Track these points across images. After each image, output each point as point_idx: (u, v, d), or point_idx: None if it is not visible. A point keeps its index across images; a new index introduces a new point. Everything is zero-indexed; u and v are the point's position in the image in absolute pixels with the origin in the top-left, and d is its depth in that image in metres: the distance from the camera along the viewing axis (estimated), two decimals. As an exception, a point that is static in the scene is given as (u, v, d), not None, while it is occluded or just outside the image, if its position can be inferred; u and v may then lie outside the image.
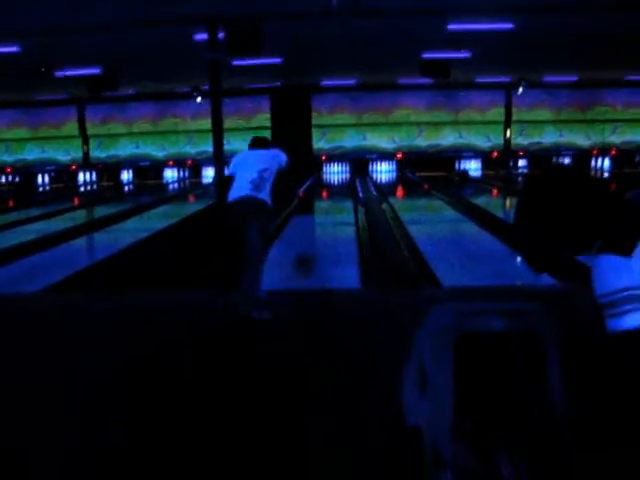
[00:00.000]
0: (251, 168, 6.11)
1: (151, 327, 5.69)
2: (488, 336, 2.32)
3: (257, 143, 6.58)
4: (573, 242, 2.03)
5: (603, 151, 25.98)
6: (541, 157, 25.83)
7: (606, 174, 25.31)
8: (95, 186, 26.34)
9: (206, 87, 16.51)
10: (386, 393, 2.91)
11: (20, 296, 7.34)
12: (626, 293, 1.84)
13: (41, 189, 26.20)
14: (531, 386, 2.29)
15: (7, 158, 26.55)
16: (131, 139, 26.18)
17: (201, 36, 11.71)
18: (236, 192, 6.02)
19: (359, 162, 25.71)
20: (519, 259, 6.46)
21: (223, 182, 6.70)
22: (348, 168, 25.84)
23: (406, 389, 2.70)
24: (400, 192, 21.16)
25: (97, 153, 26.47)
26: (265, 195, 6.03)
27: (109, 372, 4.55)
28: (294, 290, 6.87)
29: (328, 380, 4.31)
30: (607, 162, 26.18)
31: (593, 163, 26.23)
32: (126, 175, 26.81)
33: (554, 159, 26.17)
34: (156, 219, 15.21)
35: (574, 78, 23.75)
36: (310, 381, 4.33)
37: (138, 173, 26.55)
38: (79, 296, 7.21)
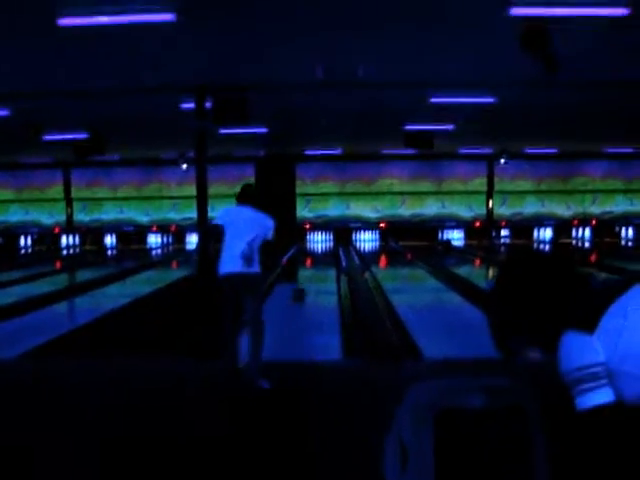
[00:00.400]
0: (240, 236, 5.99)
1: (132, 395, 5.60)
2: (469, 413, 2.32)
3: (245, 197, 6.37)
4: (542, 332, 2.06)
5: (584, 221, 26.36)
6: (523, 227, 26.19)
7: (587, 244, 25.63)
8: (78, 249, 26.26)
9: (192, 154, 16.68)
10: (367, 468, 2.88)
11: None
12: (589, 370, 1.87)
13: (23, 251, 26.07)
14: (514, 464, 2.28)
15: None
16: (115, 204, 26.24)
17: (188, 105, 11.89)
18: (227, 266, 5.97)
19: (342, 231, 25.88)
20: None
21: (210, 232, 6.56)
22: (331, 236, 25.99)
23: (387, 464, 2.67)
24: (383, 261, 21.23)
25: (81, 216, 26.46)
26: (256, 267, 6.03)
27: (85, 448, 4.46)
28: (276, 361, 6.81)
29: (309, 454, 4.25)
30: (588, 232, 26.55)
31: (574, 233, 26.58)
32: (109, 239, 26.78)
33: (535, 229, 26.50)
34: (139, 285, 15.13)
35: (555, 150, 24.26)
36: (291, 454, 4.26)
37: (121, 238, 26.53)
38: (58, 362, 7.10)
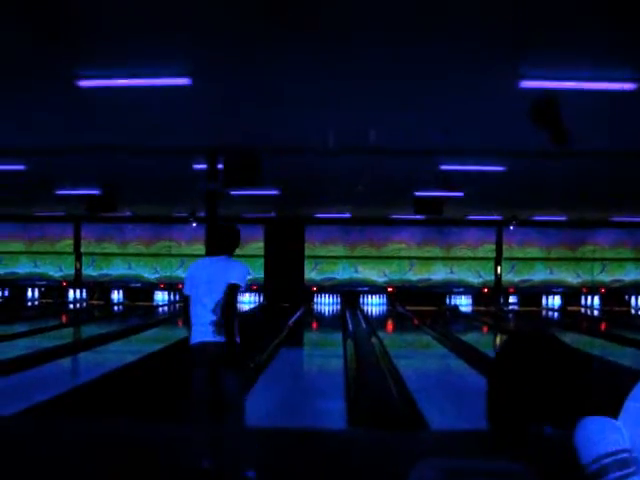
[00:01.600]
0: (207, 298, 5.06)
1: (134, 462, 5.52)
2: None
3: (217, 244, 5.40)
4: (547, 415, 2.00)
5: (592, 289, 26.23)
6: (531, 294, 26.08)
7: (596, 312, 25.44)
8: (85, 304, 26.24)
9: (202, 213, 16.78)
10: None
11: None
12: (618, 457, 1.74)
13: (30, 304, 26.07)
14: None
15: (-1, 271, 26.62)
16: (124, 259, 26.34)
17: (200, 165, 12.02)
18: (197, 335, 5.11)
19: (350, 294, 25.81)
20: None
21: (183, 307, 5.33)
22: (339, 300, 25.91)
23: None
24: (390, 326, 21.11)
25: (89, 271, 26.55)
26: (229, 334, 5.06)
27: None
28: (279, 429, 6.73)
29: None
30: (597, 300, 26.37)
31: (583, 301, 26.41)
32: (116, 295, 26.78)
33: (544, 296, 26.38)
34: (144, 342, 15.07)
35: (563, 218, 24.33)
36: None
37: (128, 294, 26.53)
38: (55, 422, 7.03)
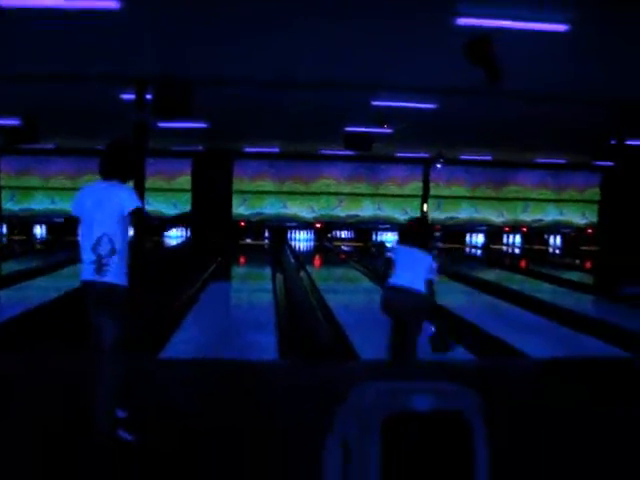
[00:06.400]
0: (90, 230, 4.33)
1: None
2: (414, 417, 2.34)
3: (110, 163, 4.51)
4: None
5: (515, 228, 27.00)
6: (456, 232, 26.64)
7: (517, 250, 26.25)
8: (5, 239, 25.48)
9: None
10: (307, 470, 2.87)
11: None
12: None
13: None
14: (457, 471, 2.31)
15: None
16: (47, 194, 25.56)
17: (128, 95, 11.68)
18: (82, 272, 4.38)
19: (278, 229, 25.84)
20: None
21: (63, 227, 4.40)
22: (267, 235, 25.93)
23: (328, 465, 2.67)
24: (318, 261, 21.28)
25: (10, 205, 25.70)
26: (112, 276, 4.28)
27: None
28: (213, 360, 6.77)
29: (248, 456, 4.22)
30: (518, 239, 27.23)
31: (505, 239, 27.20)
32: (39, 230, 26.07)
33: (468, 234, 27.03)
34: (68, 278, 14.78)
35: (489, 157, 24.76)
36: (230, 455, 4.23)
37: (52, 229, 25.80)
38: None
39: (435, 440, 2.29)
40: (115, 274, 4.29)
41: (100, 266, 4.28)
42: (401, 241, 6.21)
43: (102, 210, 4.31)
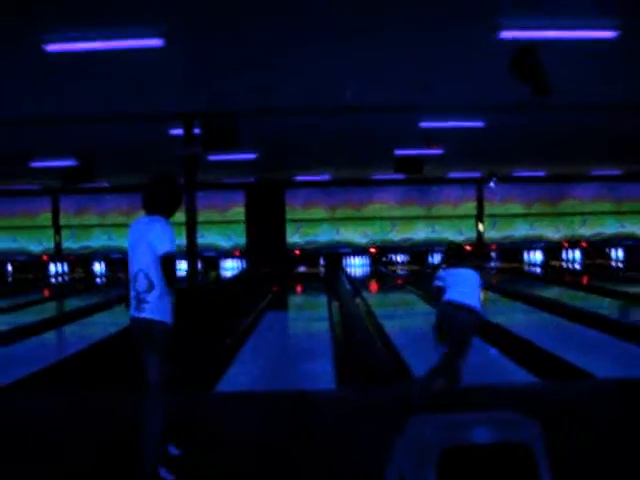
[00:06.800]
0: (131, 266, 4.34)
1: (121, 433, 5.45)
2: (473, 450, 2.22)
3: (150, 197, 4.47)
4: None
5: (573, 243, 26.38)
6: (513, 250, 26.19)
7: (577, 266, 25.61)
8: (66, 277, 26.00)
9: (181, 181, 16.57)
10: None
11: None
12: None
13: (11, 279, 25.77)
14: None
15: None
16: (104, 230, 26.05)
17: (176, 131, 11.82)
18: (130, 308, 4.38)
19: (332, 256, 25.75)
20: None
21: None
22: (322, 262, 25.86)
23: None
24: (373, 286, 21.12)
25: (70, 244, 26.27)
26: (150, 312, 4.22)
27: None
28: (269, 392, 6.70)
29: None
30: (578, 254, 26.54)
31: (564, 255, 26.58)
32: (98, 267, 26.53)
33: (525, 252, 26.53)
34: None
35: (542, 173, 24.35)
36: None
37: (110, 265, 26.22)
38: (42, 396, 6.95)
39: (495, 474, 2.16)
40: (153, 310, 4.20)
41: (139, 302, 4.24)
42: (448, 265, 6.20)
43: (140, 246, 4.27)
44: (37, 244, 26.24)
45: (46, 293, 21.07)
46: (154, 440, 4.15)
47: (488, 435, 2.19)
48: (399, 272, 23.87)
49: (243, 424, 5.50)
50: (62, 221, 26.16)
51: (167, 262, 4.19)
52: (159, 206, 4.42)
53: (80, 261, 26.31)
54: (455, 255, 6.33)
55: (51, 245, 26.25)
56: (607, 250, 26.65)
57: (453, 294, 5.95)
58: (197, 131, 11.06)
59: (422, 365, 7.92)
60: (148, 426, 4.17)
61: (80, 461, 4.61)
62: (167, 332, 4.25)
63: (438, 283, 6.13)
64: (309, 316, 14.20)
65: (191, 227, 11.81)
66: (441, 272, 6.16)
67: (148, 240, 4.24)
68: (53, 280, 25.45)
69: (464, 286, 5.97)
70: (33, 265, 26.18)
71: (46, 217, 26.15)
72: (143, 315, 4.22)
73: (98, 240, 26.16)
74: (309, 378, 7.75)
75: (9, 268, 26.40)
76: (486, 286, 6.11)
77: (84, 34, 6.98)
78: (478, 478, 2.19)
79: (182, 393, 4.46)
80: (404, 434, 2.54)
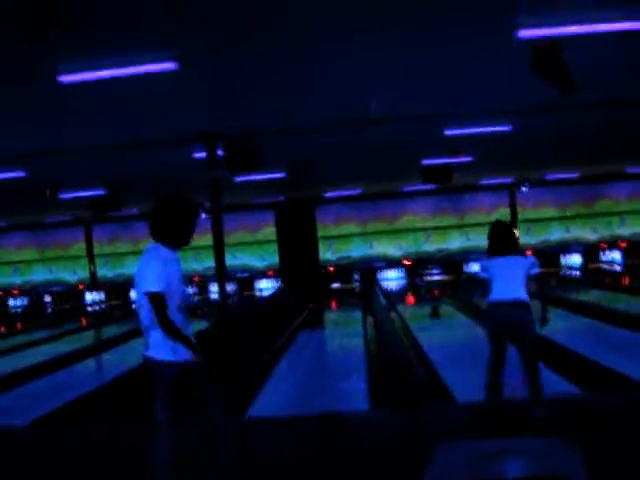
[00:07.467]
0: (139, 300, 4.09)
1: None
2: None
3: (151, 222, 4.17)
4: None
5: (612, 244, 25.73)
6: (549, 254, 25.65)
7: (618, 267, 24.97)
8: (103, 306, 26.18)
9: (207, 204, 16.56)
10: None
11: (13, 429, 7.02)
12: None
13: (49, 310, 26.04)
14: None
15: (16, 280, 26.57)
16: (137, 257, 26.08)
17: (200, 154, 11.76)
18: None
19: (367, 271, 25.49)
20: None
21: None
22: (357, 277, 25.60)
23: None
24: (409, 299, 20.85)
25: (104, 272, 26.46)
26: (151, 350, 3.95)
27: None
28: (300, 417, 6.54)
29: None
30: (617, 255, 25.82)
31: (602, 257, 25.92)
32: (134, 294, 26.58)
33: (562, 256, 25.98)
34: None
35: (575, 175, 23.88)
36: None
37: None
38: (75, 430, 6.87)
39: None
40: (154, 347, 3.89)
41: (144, 337, 3.96)
42: (490, 254, 5.60)
43: (136, 278, 3.99)
44: (72, 274, 26.47)
45: (84, 322, 21.23)
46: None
47: (523, 467, 1.98)
48: (435, 283, 23.55)
49: (275, 448, 5.33)
50: (96, 250, 26.36)
51: (151, 301, 3.82)
52: (161, 232, 4.05)
53: (116, 289, 26.45)
54: (501, 240, 5.65)
55: (86, 274, 26.45)
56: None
57: (499, 291, 5.44)
58: (221, 153, 11.01)
59: (458, 377, 7.73)
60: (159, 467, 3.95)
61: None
62: (168, 370, 3.85)
63: (482, 275, 5.64)
64: (344, 332, 14.02)
65: (219, 250, 11.71)
66: (484, 261, 5.71)
67: (139, 274, 3.93)
68: (90, 309, 25.62)
69: (511, 279, 5.41)
70: (70, 295, 26.43)
71: (80, 247, 26.38)
72: (145, 353, 3.94)
73: (131, 267, 26.23)
74: (343, 397, 7.57)
75: (47, 299, 26.67)
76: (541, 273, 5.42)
77: (98, 62, 6.93)
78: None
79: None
80: (433, 463, 2.34)
